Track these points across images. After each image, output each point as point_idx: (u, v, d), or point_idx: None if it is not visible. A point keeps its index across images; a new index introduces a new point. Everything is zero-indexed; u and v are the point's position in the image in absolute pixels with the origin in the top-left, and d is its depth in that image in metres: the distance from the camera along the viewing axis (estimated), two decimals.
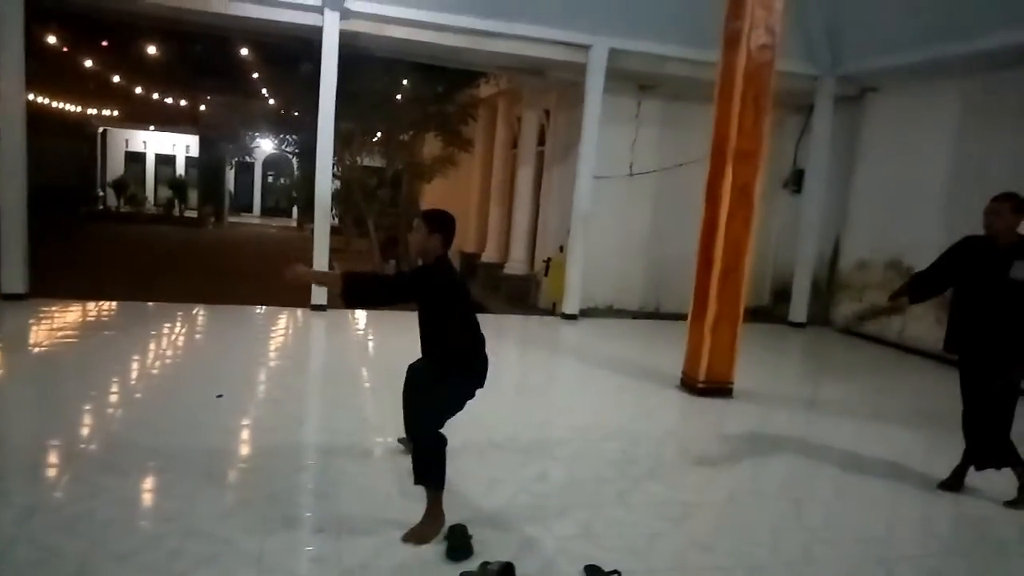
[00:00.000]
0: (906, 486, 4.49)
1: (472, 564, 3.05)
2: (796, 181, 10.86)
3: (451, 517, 3.34)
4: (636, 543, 3.45)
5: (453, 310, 3.40)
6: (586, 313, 9.86)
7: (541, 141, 12.47)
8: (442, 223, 3.36)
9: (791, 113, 10.73)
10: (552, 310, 10.70)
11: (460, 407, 3.43)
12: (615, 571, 3.09)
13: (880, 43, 9.06)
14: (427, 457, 3.29)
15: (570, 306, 9.57)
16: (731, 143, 5.92)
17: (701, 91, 9.31)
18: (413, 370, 3.63)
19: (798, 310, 10.32)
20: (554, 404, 6.04)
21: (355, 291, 3.22)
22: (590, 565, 3.14)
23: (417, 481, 3.33)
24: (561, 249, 10.46)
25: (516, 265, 12.80)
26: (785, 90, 7.92)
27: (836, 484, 4.51)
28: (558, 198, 11.25)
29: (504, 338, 8.59)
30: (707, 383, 6.17)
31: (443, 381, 3.40)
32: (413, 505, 3.42)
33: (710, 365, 6.16)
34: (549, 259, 11.24)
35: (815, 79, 9.85)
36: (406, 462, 4.08)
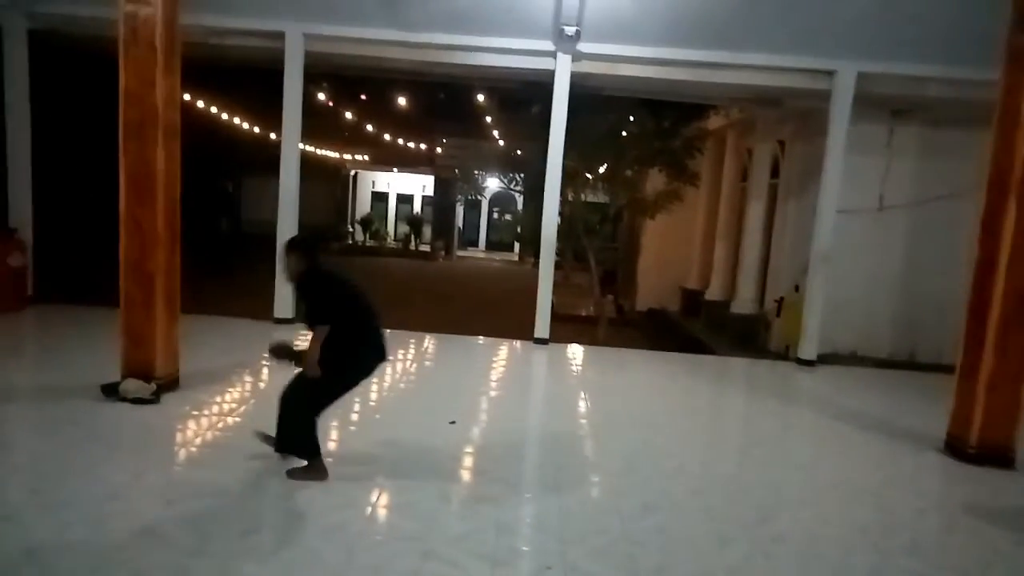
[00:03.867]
0: None
1: None
2: None
3: (681, 572, 3.13)
4: None
5: (335, 303, 3.91)
6: (824, 359, 9.01)
7: (774, 174, 11.80)
8: (292, 244, 3.97)
9: None
10: (784, 354, 9.96)
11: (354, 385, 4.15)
12: None
13: None
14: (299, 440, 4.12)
15: (807, 351, 8.81)
16: (1015, 174, 5.11)
17: (969, 114, 8.31)
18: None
19: None
20: (790, 459, 5.54)
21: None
22: None
23: (279, 450, 4.16)
24: (797, 288, 9.75)
25: (744, 304, 12.15)
26: None
27: None
28: (793, 233, 10.53)
29: (731, 382, 8.13)
30: (980, 449, 5.31)
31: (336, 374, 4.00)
32: (632, 538, 3.28)
33: (984, 428, 5.29)
34: (782, 298, 10.52)
35: None
36: (626, 502, 4.02)
